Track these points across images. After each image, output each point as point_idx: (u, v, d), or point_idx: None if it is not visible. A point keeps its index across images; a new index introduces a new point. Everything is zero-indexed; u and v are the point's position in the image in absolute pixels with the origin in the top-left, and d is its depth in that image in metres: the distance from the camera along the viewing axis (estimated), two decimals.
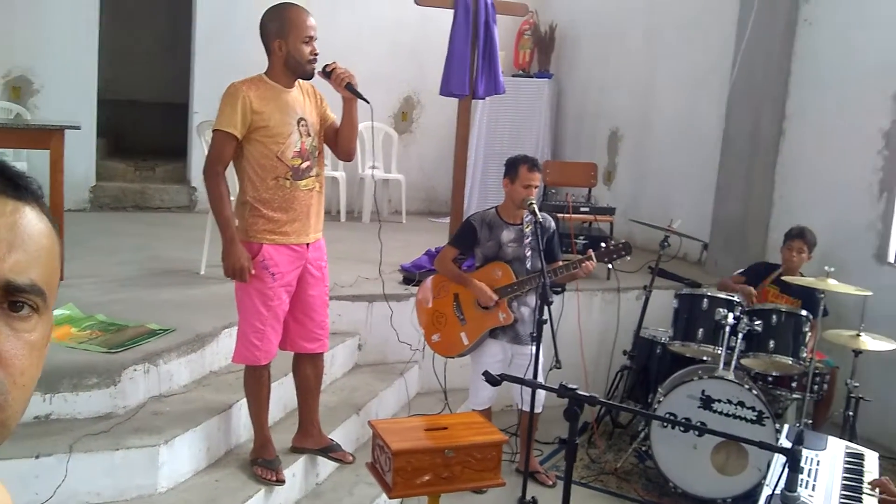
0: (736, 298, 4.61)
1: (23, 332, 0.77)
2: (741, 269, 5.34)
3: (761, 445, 2.48)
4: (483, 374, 2.71)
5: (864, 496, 2.71)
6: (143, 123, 8.95)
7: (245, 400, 3.58)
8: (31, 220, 0.78)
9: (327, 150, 3.64)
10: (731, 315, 4.40)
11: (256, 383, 3.51)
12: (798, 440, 2.31)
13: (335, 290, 4.58)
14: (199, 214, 6.96)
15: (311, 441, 3.73)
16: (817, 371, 4.50)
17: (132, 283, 4.80)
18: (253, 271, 3.32)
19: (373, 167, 7.26)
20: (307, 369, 3.68)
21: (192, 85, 7.64)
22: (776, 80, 6.02)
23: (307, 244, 3.50)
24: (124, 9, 8.66)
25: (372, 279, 5.13)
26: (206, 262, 5.10)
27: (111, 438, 3.15)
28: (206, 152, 3.47)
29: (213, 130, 3.36)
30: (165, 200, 7.65)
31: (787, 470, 2.24)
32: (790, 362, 4.40)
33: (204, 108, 7.21)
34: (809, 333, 4.48)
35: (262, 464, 3.46)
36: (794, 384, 4.61)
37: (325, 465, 3.85)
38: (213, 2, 7.59)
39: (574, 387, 2.44)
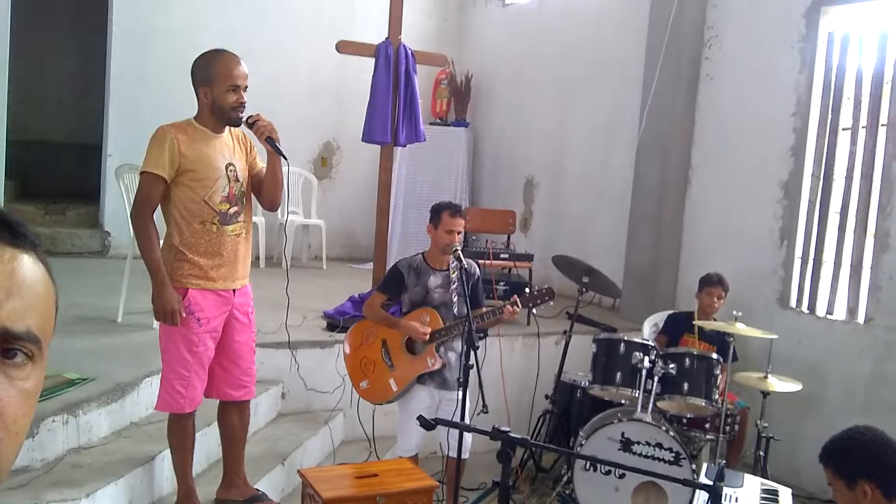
0: (650, 343, 4.77)
1: (17, 380, 0.78)
2: (660, 326, 5.48)
3: (686, 483, 2.59)
4: (418, 418, 2.73)
5: None
6: (54, 165, 8.69)
7: (168, 451, 3.51)
8: (29, 267, 0.79)
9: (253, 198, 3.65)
10: (646, 359, 4.54)
11: (181, 432, 3.44)
12: (719, 477, 2.42)
13: (258, 337, 4.52)
14: (112, 260, 6.78)
15: (236, 492, 3.66)
16: (729, 412, 4.67)
17: None
18: (184, 314, 3.28)
19: (289, 213, 7.24)
20: (234, 417, 3.63)
21: (106, 127, 7.49)
22: (681, 132, 6.32)
23: (234, 290, 3.49)
24: (34, 49, 8.46)
25: (295, 326, 5.10)
26: (123, 310, 4.99)
27: (29, 493, 3.03)
28: (128, 196, 3.43)
29: (141, 173, 3.34)
30: (77, 245, 7.41)
31: None
32: (703, 404, 4.55)
33: (118, 150, 7.09)
34: (720, 376, 4.65)
35: None
36: (707, 425, 4.77)
37: None
38: (127, 45, 7.49)
39: (506, 429, 2.50)
